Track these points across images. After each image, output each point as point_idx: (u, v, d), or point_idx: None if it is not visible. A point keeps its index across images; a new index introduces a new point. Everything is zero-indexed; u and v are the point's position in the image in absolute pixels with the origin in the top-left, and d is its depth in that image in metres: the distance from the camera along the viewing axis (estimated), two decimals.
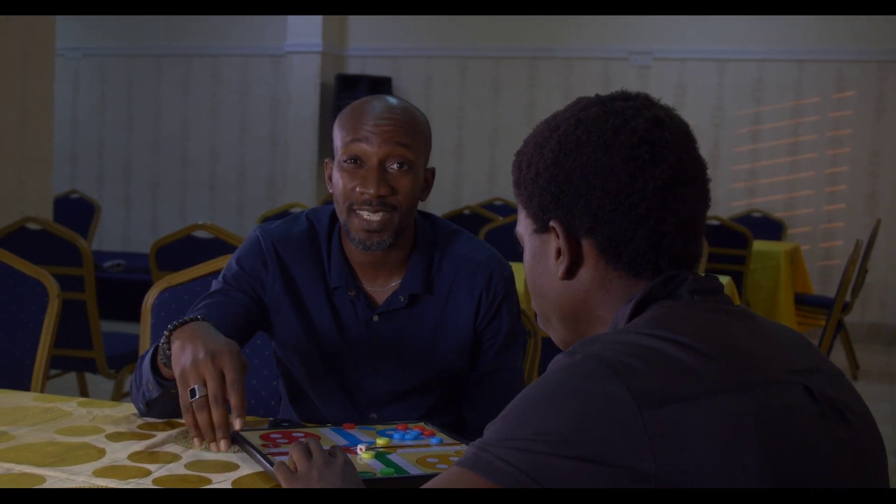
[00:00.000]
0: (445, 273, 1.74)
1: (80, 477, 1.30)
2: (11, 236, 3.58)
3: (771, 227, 6.53)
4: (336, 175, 1.68)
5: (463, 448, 1.46)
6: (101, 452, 1.41)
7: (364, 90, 7.10)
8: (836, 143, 6.90)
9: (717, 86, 7.10)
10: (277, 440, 1.46)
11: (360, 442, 1.47)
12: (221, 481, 1.31)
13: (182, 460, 1.39)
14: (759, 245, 5.59)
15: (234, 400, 1.35)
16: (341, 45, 7.79)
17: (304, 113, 7.51)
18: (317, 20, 7.46)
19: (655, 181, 1.02)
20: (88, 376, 4.08)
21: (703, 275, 1.07)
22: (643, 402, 0.90)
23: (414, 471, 1.35)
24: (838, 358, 5.66)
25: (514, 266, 1.73)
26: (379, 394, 1.75)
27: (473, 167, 7.56)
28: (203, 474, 1.33)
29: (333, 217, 1.76)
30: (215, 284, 1.74)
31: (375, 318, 1.73)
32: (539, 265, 1.11)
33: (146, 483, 1.29)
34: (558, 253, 1.07)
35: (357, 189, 1.65)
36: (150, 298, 2.01)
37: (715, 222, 5.46)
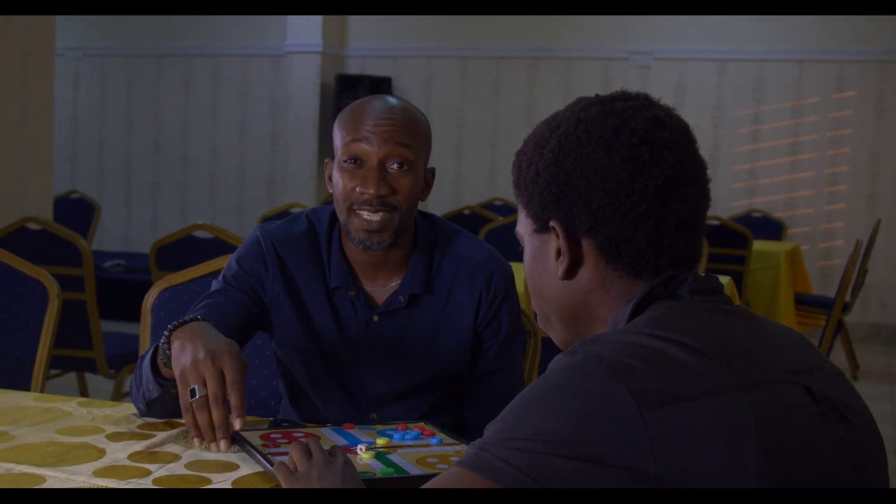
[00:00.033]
0: (445, 273, 1.74)
1: (80, 477, 1.30)
2: (11, 236, 3.58)
3: (771, 227, 6.53)
4: (336, 175, 1.68)
5: (463, 448, 1.46)
6: (101, 452, 1.41)
7: (364, 90, 7.10)
8: (836, 143, 6.90)
9: (717, 86, 7.10)
10: (277, 440, 1.46)
11: (360, 442, 1.46)
12: (221, 481, 1.31)
13: (182, 460, 1.39)
14: (759, 245, 5.59)
15: (234, 400, 1.35)
16: (341, 45, 7.79)
17: (304, 113, 7.51)
18: (317, 20, 7.46)
19: (655, 181, 1.02)
20: (88, 376, 4.08)
21: (703, 275, 1.07)
22: (643, 402, 0.90)
23: (414, 471, 1.35)
24: (838, 358, 5.66)
25: (514, 266, 1.73)
26: (379, 394, 1.75)
27: (473, 167, 7.56)
28: (203, 474, 1.33)
29: (333, 217, 1.76)
30: (215, 284, 1.74)
31: (375, 318, 1.73)
32: (539, 265, 1.11)
33: (146, 483, 1.29)
34: (558, 253, 1.07)
35: (357, 189, 1.65)
36: (150, 298, 2.01)
37: (715, 222, 5.46)
